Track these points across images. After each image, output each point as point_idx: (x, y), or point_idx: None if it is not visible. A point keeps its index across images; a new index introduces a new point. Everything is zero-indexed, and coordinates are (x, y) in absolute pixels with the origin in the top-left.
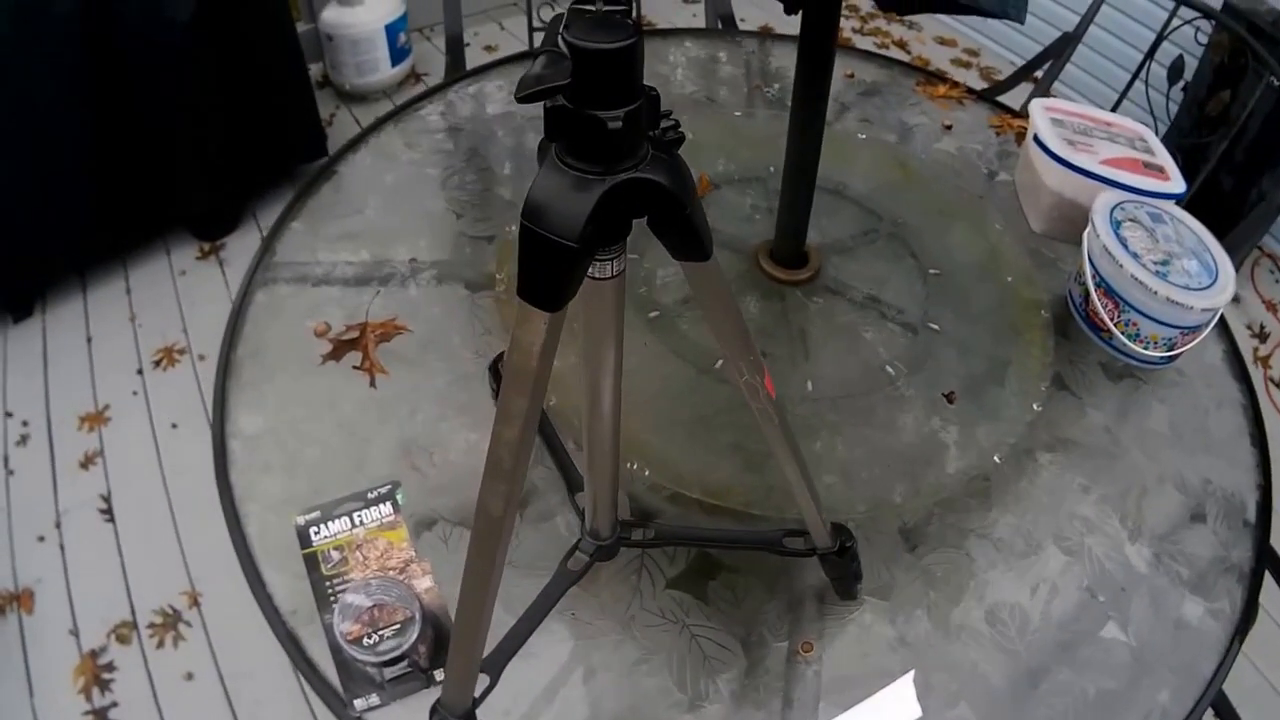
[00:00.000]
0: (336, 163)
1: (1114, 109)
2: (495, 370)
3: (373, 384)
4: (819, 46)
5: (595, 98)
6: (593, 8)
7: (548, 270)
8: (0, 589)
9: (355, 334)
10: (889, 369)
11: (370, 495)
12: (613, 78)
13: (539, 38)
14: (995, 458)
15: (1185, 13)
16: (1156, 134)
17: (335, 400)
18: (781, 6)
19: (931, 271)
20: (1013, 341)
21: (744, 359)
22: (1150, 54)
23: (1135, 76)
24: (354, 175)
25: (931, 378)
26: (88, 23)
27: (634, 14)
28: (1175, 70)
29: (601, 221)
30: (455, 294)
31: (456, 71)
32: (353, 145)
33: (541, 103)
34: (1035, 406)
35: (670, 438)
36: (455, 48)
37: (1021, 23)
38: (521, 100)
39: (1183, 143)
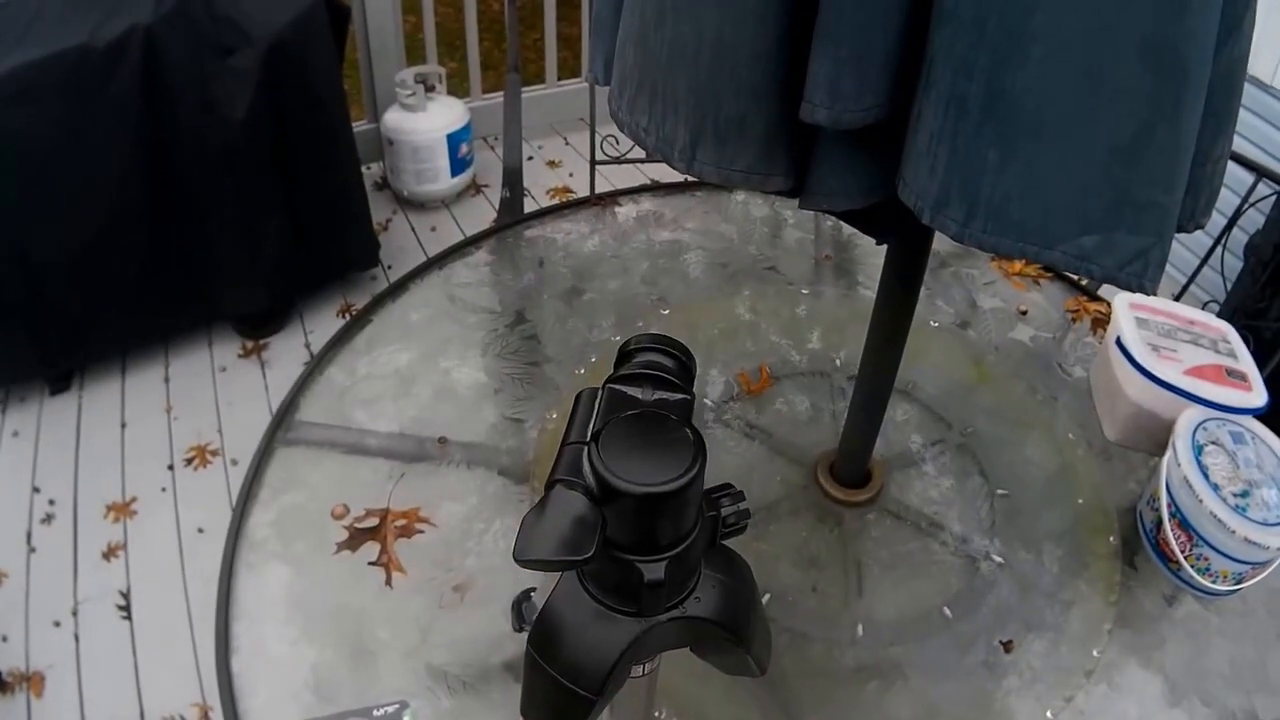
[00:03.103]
0: (373, 310)
1: (1192, 277)
2: (518, 609)
3: (389, 582)
4: (903, 302)
5: (633, 546)
6: (639, 392)
7: (557, 711)
8: (12, 666)
9: (374, 522)
10: (946, 611)
11: (376, 713)
12: (660, 523)
13: (601, 179)
14: (1048, 714)
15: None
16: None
17: (347, 595)
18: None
19: (999, 492)
20: (1079, 575)
21: None
22: (1231, 223)
23: (1217, 242)
24: (390, 328)
25: (990, 620)
26: (144, 108)
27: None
28: (1252, 245)
29: (632, 661)
30: (487, 482)
31: (512, 213)
32: (392, 293)
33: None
34: (1095, 653)
35: (704, 683)
36: (513, 181)
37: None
38: (524, 566)
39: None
